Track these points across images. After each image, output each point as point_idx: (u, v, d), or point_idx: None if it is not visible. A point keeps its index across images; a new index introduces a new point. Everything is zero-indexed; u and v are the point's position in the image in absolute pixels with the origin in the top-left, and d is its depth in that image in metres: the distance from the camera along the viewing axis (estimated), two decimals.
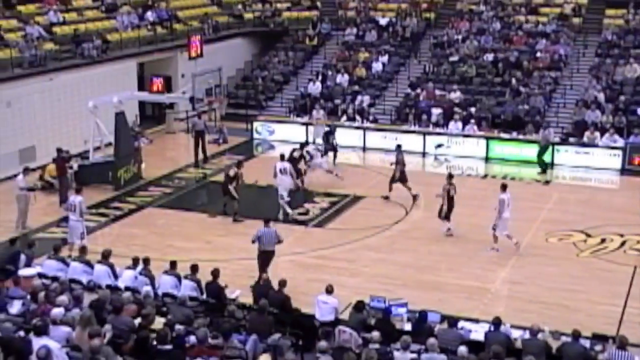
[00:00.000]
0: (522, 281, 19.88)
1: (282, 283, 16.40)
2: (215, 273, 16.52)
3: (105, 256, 17.36)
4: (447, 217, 23.00)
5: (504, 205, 21.46)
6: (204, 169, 30.20)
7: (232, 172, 24.61)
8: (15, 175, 24.17)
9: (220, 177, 26.49)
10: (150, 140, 33.49)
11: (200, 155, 30.75)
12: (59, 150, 26.41)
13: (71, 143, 29.21)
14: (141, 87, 35.27)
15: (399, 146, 26.53)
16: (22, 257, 17.58)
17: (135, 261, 17.20)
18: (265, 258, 18.87)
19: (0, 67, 29.27)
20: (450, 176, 23.31)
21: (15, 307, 13.78)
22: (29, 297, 14.32)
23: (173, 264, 17.11)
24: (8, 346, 9.88)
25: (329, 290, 15.78)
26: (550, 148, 29.76)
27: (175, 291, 16.17)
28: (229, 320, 13.83)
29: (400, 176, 25.72)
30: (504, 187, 21.95)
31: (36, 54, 30.53)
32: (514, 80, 34.48)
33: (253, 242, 18.99)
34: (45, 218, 24.56)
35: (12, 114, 28.62)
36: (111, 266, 17.13)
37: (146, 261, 17.11)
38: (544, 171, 29.49)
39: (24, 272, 16.05)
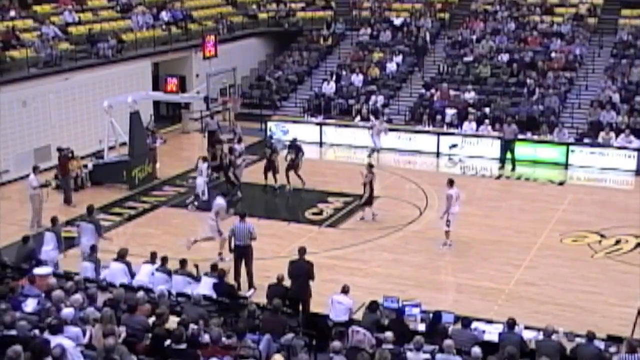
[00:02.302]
0: (536, 282, 19.80)
1: (302, 250, 17.04)
2: (222, 273, 16.64)
3: (122, 255, 17.45)
4: (369, 203, 23.86)
5: (451, 201, 21.65)
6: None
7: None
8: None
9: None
10: (164, 140, 33.52)
11: None
12: (59, 150, 26.51)
13: (86, 142, 29.37)
14: (156, 86, 35.39)
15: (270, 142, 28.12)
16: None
17: (153, 256, 17.29)
18: (240, 253, 19.02)
19: (16, 67, 29.43)
20: (370, 165, 24.36)
21: (30, 306, 13.83)
22: (43, 295, 14.38)
23: (183, 263, 17.23)
24: (25, 345, 9.93)
25: (345, 291, 15.82)
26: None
27: (189, 289, 16.25)
28: (242, 319, 13.86)
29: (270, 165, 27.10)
30: (450, 183, 22.12)
31: (52, 53, 30.67)
32: (528, 81, 34.41)
33: (230, 237, 19.15)
34: (60, 217, 24.61)
35: (28, 114, 28.76)
36: (128, 264, 17.21)
37: (164, 259, 17.21)
38: (503, 167, 29.63)
39: (38, 270, 16.12)
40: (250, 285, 18.88)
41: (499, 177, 29.25)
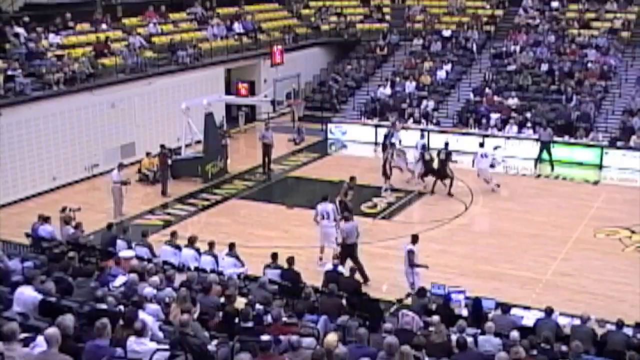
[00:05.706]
0: (571, 273, 19.55)
1: (353, 270, 16.44)
2: (290, 261, 16.56)
3: (192, 241, 17.55)
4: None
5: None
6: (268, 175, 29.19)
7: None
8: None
9: (298, 173, 26.75)
10: (232, 138, 33.58)
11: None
12: (162, 146, 26.82)
13: (166, 140, 29.61)
14: (228, 90, 35.62)
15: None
16: (120, 242, 17.90)
17: (231, 246, 17.35)
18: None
19: (106, 73, 29.82)
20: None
21: (117, 284, 14.01)
22: (128, 276, 14.55)
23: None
24: (112, 318, 10.08)
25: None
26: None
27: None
28: (301, 302, 13.89)
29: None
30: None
31: (137, 61, 31.06)
32: (566, 89, 33.92)
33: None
34: (142, 206, 24.99)
35: (116, 114, 29.17)
36: (197, 250, 17.35)
37: (231, 246, 17.29)
38: (536, 166, 29.53)
39: (123, 253, 16.34)
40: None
41: (538, 176, 28.92)
